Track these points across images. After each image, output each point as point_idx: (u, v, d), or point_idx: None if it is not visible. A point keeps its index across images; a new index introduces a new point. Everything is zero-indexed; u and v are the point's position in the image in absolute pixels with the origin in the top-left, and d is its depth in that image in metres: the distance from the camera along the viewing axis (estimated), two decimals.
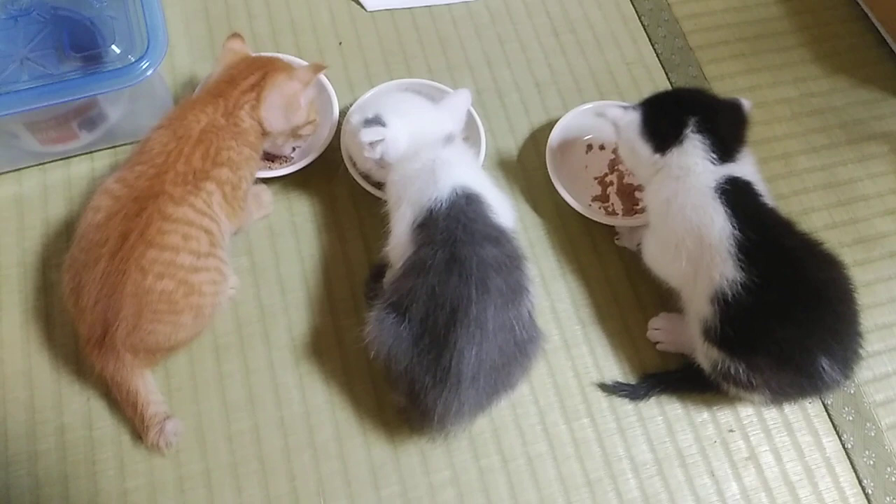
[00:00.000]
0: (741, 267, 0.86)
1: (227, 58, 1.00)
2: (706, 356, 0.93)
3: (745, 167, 0.93)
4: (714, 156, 0.91)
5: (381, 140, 0.92)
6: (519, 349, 0.86)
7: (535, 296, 0.89)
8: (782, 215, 0.93)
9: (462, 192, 0.88)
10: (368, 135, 0.92)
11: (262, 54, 1.06)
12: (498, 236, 0.87)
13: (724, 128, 0.93)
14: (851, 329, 0.90)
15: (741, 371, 0.88)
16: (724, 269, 0.87)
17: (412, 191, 0.90)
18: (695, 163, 0.91)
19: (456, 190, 0.88)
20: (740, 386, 0.91)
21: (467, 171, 0.92)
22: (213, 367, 0.98)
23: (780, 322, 0.86)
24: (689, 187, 0.91)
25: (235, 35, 1.03)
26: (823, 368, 0.86)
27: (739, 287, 0.86)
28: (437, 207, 0.86)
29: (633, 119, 0.96)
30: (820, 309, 0.88)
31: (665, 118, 0.94)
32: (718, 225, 0.88)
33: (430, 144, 0.93)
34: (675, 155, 0.93)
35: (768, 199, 0.93)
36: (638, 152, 0.96)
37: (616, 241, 1.09)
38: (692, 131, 0.92)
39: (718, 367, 0.91)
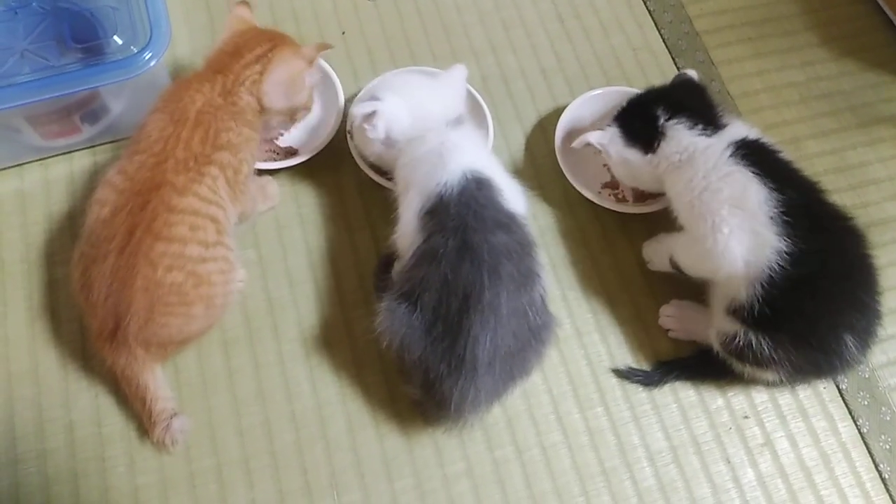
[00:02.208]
0: (786, 234, 0.84)
1: (234, 25, 0.96)
2: (722, 332, 0.92)
3: (741, 129, 0.94)
4: (700, 128, 0.92)
5: (375, 113, 0.91)
6: (533, 334, 0.85)
7: (546, 282, 0.88)
8: (808, 177, 0.93)
9: (472, 177, 0.86)
10: (362, 107, 0.91)
11: (270, 28, 1.02)
12: (509, 223, 0.86)
13: (691, 102, 0.95)
14: (875, 306, 0.90)
15: (764, 345, 0.87)
16: (772, 241, 0.85)
17: (420, 175, 0.89)
18: (691, 142, 0.92)
19: (466, 174, 0.86)
20: (759, 362, 0.90)
21: (477, 155, 0.91)
22: (222, 362, 0.97)
23: (812, 294, 0.86)
24: (705, 162, 0.90)
25: (243, 1, 0.99)
26: (847, 346, 0.86)
27: (785, 258, 0.84)
28: (447, 193, 0.85)
29: (613, 133, 0.99)
30: (851, 282, 0.88)
31: (638, 120, 0.97)
32: (752, 190, 0.87)
33: (437, 125, 0.91)
34: (666, 146, 0.94)
35: (786, 154, 0.93)
36: (631, 161, 0.98)
37: (649, 266, 1.05)
38: (665, 120, 0.94)
39: (736, 342, 0.89)
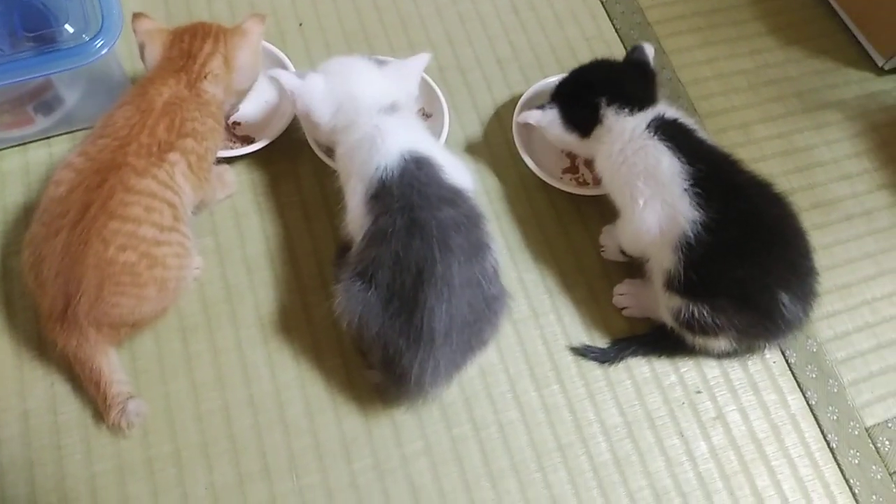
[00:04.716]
0: (699, 205, 0.88)
1: (158, 37, 0.96)
2: (669, 307, 0.95)
3: (661, 108, 0.97)
4: (628, 110, 0.96)
5: (286, 85, 0.94)
6: (487, 304, 0.86)
7: (497, 253, 0.89)
8: (724, 151, 0.97)
9: (411, 158, 0.87)
10: (274, 72, 0.98)
11: (186, 25, 1.01)
12: (453, 197, 0.87)
13: (631, 86, 0.98)
14: (808, 264, 0.92)
15: (705, 314, 0.90)
16: (684, 210, 0.89)
17: (357, 163, 0.90)
18: (618, 125, 0.96)
19: (404, 156, 0.87)
20: (706, 331, 0.92)
21: (413, 137, 0.91)
22: (180, 348, 0.97)
23: (739, 259, 0.88)
24: (622, 135, 0.95)
25: (140, 14, 0.97)
26: (784, 304, 0.89)
27: (700, 227, 0.88)
28: (388, 176, 0.86)
29: (554, 116, 1.02)
30: (777, 244, 0.91)
31: (580, 108, 1.00)
32: (665, 162, 0.91)
33: (367, 111, 0.92)
34: (600, 131, 0.99)
35: (703, 134, 0.97)
36: (568, 142, 1.03)
37: (603, 254, 1.08)
38: (605, 108, 0.97)
39: (682, 315, 0.92)
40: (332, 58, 1.01)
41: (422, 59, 1.01)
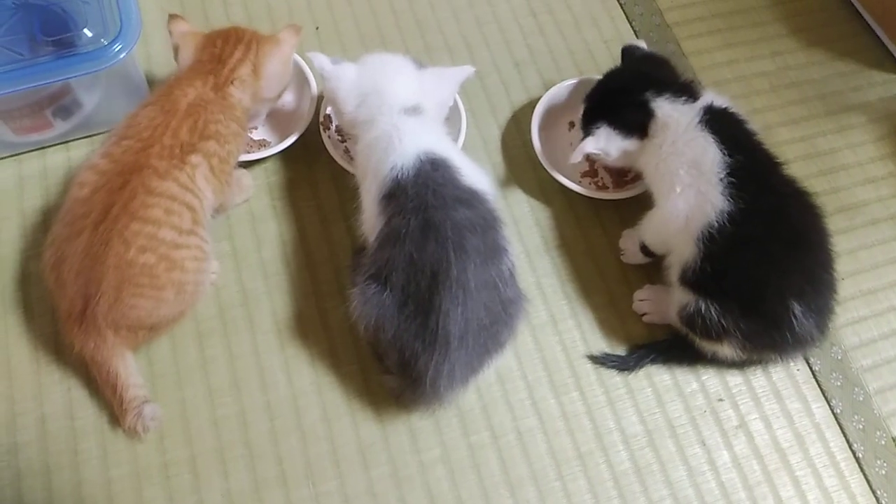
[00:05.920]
0: (730, 195, 0.87)
1: (192, 40, 0.96)
2: (678, 303, 0.93)
3: (710, 96, 0.96)
4: (683, 99, 0.95)
5: (318, 66, 0.96)
6: (504, 307, 0.85)
7: (514, 256, 0.88)
8: (768, 149, 0.95)
9: (427, 159, 0.86)
10: (310, 54, 0.97)
11: (221, 29, 1.01)
12: (469, 199, 0.86)
13: (661, 72, 0.99)
14: (827, 278, 0.90)
15: (713, 312, 0.88)
16: (714, 199, 0.88)
17: (373, 161, 0.89)
18: (675, 114, 0.94)
19: (420, 156, 0.86)
20: (710, 333, 0.90)
21: (431, 139, 0.90)
22: (196, 353, 0.97)
23: (757, 259, 0.87)
24: (677, 128, 0.93)
25: (176, 16, 0.98)
26: (795, 315, 0.86)
27: (726, 218, 0.87)
28: (403, 176, 0.85)
29: (607, 133, 0.98)
30: (799, 250, 0.88)
31: (627, 110, 0.97)
32: (710, 153, 0.90)
33: (388, 109, 0.91)
34: (654, 126, 0.96)
35: (752, 125, 0.96)
36: (631, 151, 0.99)
37: (623, 259, 1.06)
38: (655, 100, 0.95)
39: (689, 310, 0.91)
40: (374, 52, 1.00)
41: (463, 71, 1.00)
